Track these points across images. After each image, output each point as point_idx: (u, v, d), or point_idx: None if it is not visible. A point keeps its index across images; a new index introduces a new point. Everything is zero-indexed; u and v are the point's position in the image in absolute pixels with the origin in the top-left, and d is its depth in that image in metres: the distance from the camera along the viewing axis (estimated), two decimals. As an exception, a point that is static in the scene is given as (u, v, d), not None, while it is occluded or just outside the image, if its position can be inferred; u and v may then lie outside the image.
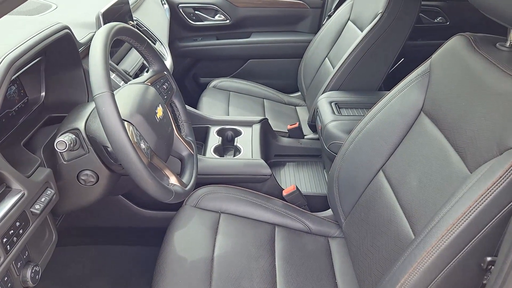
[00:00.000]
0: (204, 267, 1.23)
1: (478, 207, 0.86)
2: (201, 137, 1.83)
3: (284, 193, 1.56)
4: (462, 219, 0.87)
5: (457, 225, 0.87)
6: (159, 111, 1.06)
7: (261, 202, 1.50)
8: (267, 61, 2.64)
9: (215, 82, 2.47)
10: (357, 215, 1.35)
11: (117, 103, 0.89)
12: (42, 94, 1.21)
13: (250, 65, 2.64)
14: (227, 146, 1.83)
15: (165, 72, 1.21)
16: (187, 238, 1.32)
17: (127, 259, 1.73)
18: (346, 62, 1.90)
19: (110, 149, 0.98)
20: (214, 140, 1.78)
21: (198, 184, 1.54)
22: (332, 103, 1.82)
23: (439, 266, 0.88)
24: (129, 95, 1.03)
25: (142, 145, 0.96)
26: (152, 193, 0.92)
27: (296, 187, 1.55)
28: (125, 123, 0.94)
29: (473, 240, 0.86)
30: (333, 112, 1.76)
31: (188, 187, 1.13)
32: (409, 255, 0.96)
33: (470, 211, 0.87)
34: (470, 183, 0.92)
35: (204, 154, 1.68)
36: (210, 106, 2.19)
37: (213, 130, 1.83)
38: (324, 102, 1.82)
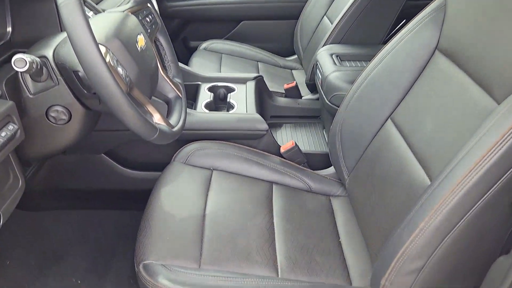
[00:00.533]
0: (194, 224, 1.11)
1: (511, 138, 0.74)
2: (190, 95, 1.70)
3: (282, 150, 1.44)
4: (493, 152, 0.75)
5: (486, 159, 0.75)
6: (141, 40, 0.92)
7: (257, 159, 1.38)
8: (261, 23, 2.49)
9: (206, 43, 2.32)
10: (362, 170, 1.24)
11: (92, 29, 0.75)
12: (8, 30, 1.06)
13: (243, 27, 2.49)
14: (220, 105, 1.69)
15: (149, 5, 1.07)
16: (175, 195, 1.20)
17: (112, 224, 1.61)
18: (346, 15, 1.77)
19: (81, 73, 0.84)
20: (205, 96, 1.64)
21: (188, 140, 1.41)
22: (333, 55, 1.68)
23: (465, 206, 0.76)
24: (105, 20, 0.89)
25: (120, 71, 0.82)
26: (132, 126, 0.78)
27: (295, 143, 1.43)
28: (100, 47, 0.80)
29: (505, 175, 0.75)
30: (334, 63, 1.62)
31: (176, 128, 1.00)
32: (428, 198, 0.84)
33: (501, 143, 0.75)
34: (498, 114, 0.80)
35: (195, 109, 1.55)
36: (201, 67, 2.05)
37: (204, 87, 1.70)
38: (324, 55, 1.69)
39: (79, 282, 1.45)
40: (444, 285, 0.88)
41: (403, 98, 1.18)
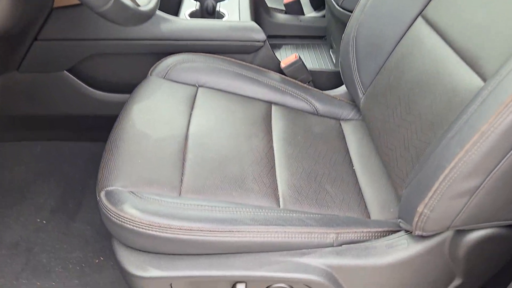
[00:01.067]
0: (174, 146, 0.88)
1: None
2: (171, 10, 1.41)
3: (283, 65, 1.19)
4: None
5: None
6: None
7: (252, 74, 1.13)
8: None
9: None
10: (382, 83, 1.00)
11: None
12: None
13: None
14: (207, 17, 1.42)
15: None
16: (151, 112, 0.96)
17: (81, 157, 1.38)
18: None
19: None
20: (190, 5, 1.36)
21: (168, 52, 1.16)
22: (343, -45, 1.40)
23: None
24: None
25: None
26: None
27: (299, 56, 1.18)
28: None
29: None
30: None
31: (145, 8, 0.75)
32: (488, 98, 0.61)
33: None
34: None
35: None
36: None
37: (189, -5, 1.42)
38: None
39: (44, 222, 1.24)
40: (502, 213, 0.67)
41: (438, -13, 0.92)
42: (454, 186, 0.62)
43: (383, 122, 0.95)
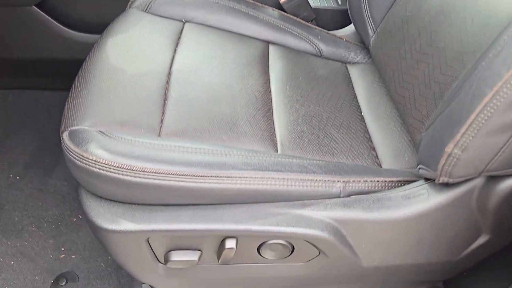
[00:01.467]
0: (154, 82, 0.75)
1: None
2: None
3: (282, 0, 1.05)
4: None
5: None
6: None
7: (247, 9, 0.99)
8: None
9: None
10: (397, 15, 0.86)
11: None
12: None
13: None
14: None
15: None
16: (129, 46, 0.82)
17: (57, 107, 1.25)
18: None
19: None
20: None
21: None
22: None
23: None
24: None
25: None
26: None
27: (301, -11, 1.03)
28: None
29: None
30: None
31: None
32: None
33: None
34: None
35: None
36: None
37: None
38: None
39: (17, 178, 1.13)
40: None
41: None
42: (494, 118, 0.50)
43: (399, 59, 0.82)
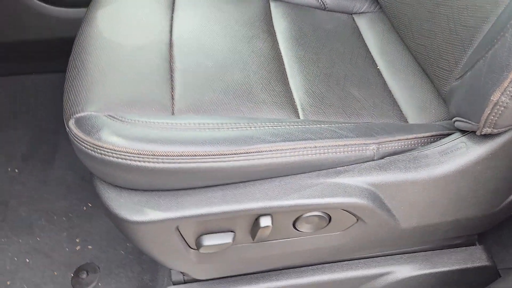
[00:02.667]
0: (156, 55, 0.68)
1: None
2: None
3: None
4: None
5: None
6: None
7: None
8: None
9: None
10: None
11: None
12: None
13: None
14: None
15: None
16: (121, 17, 0.75)
17: (48, 91, 1.17)
18: None
19: None
20: None
21: None
22: None
23: None
24: None
25: None
26: None
27: None
28: None
29: None
30: None
31: None
32: None
33: None
34: None
35: None
36: None
37: None
38: None
39: (16, 171, 1.07)
40: None
41: None
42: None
43: (416, 5, 0.76)
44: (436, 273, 0.75)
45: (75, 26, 1.02)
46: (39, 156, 1.10)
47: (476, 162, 0.59)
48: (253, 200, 0.56)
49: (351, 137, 0.60)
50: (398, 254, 0.77)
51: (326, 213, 0.60)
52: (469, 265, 0.76)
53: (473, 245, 0.79)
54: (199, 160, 0.52)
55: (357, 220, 0.62)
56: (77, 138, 0.54)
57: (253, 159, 0.54)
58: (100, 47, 0.67)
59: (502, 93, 0.50)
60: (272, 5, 0.89)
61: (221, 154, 0.53)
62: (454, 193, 0.63)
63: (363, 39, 0.87)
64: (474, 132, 0.59)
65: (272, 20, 0.85)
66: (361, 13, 0.95)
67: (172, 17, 0.78)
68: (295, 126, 0.59)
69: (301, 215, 0.59)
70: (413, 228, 0.66)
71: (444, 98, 0.70)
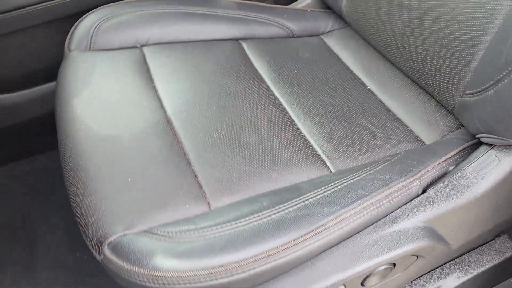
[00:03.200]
0: (160, 140, 0.61)
1: None
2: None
3: (233, -13, 0.92)
4: None
5: None
6: None
7: (202, 9, 0.85)
8: None
9: None
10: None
11: None
12: None
13: None
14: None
15: None
16: (102, 102, 0.66)
17: (13, 185, 1.03)
18: None
19: None
20: None
21: (79, 13, 0.83)
22: None
23: None
24: None
25: None
26: None
27: (249, -32, 0.91)
28: None
29: None
30: None
31: None
32: None
33: None
34: None
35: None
36: None
37: None
38: None
39: None
40: None
41: None
42: None
43: (393, 21, 0.76)
44: (477, 274, 0.77)
45: (22, 110, 0.91)
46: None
47: (511, 171, 0.61)
48: (325, 276, 0.53)
49: (395, 180, 0.58)
50: (438, 267, 0.78)
51: (392, 263, 0.58)
52: (502, 258, 0.79)
53: (497, 236, 0.82)
54: (274, 258, 0.47)
55: (417, 257, 0.61)
56: (126, 271, 0.46)
57: (322, 239, 0.50)
58: (95, 147, 0.59)
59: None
60: (245, 46, 0.85)
61: (293, 245, 0.48)
62: (495, 204, 0.64)
63: (341, 60, 0.86)
64: (501, 143, 0.60)
65: (252, 63, 0.80)
66: (329, 32, 0.94)
67: (154, 87, 0.70)
68: (341, 185, 0.56)
69: (370, 273, 0.57)
70: (462, 244, 0.67)
71: (451, 111, 0.70)
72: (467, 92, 0.64)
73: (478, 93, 0.61)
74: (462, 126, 0.71)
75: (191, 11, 0.84)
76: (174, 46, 0.81)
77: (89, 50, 0.76)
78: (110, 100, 0.66)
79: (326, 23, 0.94)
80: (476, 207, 0.62)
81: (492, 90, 0.58)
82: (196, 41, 0.83)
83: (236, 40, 0.86)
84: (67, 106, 0.65)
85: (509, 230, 0.80)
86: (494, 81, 0.57)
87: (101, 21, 0.78)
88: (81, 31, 0.77)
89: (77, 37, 0.77)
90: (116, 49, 0.77)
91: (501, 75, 0.56)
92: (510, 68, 0.54)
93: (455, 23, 0.66)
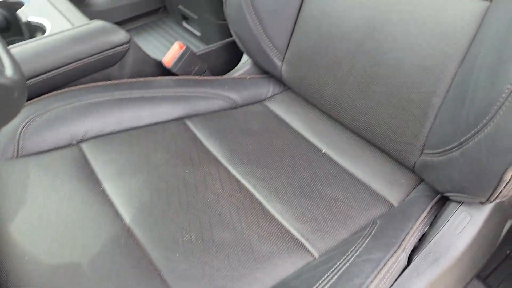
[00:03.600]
0: (131, 257, 0.54)
1: None
2: None
3: (168, 63, 0.87)
4: None
5: None
6: None
7: (138, 93, 0.80)
8: None
9: None
10: (310, 38, 0.79)
11: None
12: None
13: None
14: (10, 38, 0.96)
15: None
16: (44, 223, 0.57)
17: None
18: None
19: None
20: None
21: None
22: None
23: None
24: None
25: None
26: None
27: (184, 44, 0.87)
28: None
29: None
30: None
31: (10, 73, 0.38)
32: None
33: None
34: None
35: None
36: None
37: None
38: None
39: None
40: None
41: None
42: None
43: (338, 85, 0.76)
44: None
45: None
46: None
47: (484, 224, 0.62)
48: None
49: (384, 257, 0.56)
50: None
51: None
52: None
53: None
54: None
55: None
56: None
57: None
58: (50, 283, 0.49)
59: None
60: (190, 124, 0.80)
61: None
62: (473, 257, 0.65)
63: (291, 127, 0.84)
64: (471, 199, 0.61)
65: (204, 144, 0.76)
66: (270, 97, 0.93)
67: (103, 191, 0.63)
68: (334, 277, 0.53)
69: None
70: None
71: (410, 168, 0.71)
72: (428, 151, 0.65)
73: (442, 153, 0.62)
74: (422, 180, 0.72)
75: (129, 96, 0.78)
76: (116, 137, 0.74)
77: (16, 157, 0.67)
78: (54, 217, 0.57)
79: (267, 88, 0.93)
80: (458, 265, 0.62)
81: (457, 151, 0.59)
82: (139, 127, 0.77)
83: (181, 119, 0.81)
84: (0, 236, 0.55)
85: (479, 274, 0.82)
86: (458, 142, 0.58)
87: (29, 121, 0.69)
88: (3, 136, 0.67)
89: (10, 136, 0.67)
90: (49, 150, 0.68)
91: (465, 137, 0.57)
92: (473, 131, 0.56)
93: (404, 86, 0.67)
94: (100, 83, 0.78)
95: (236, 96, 0.89)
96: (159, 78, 0.84)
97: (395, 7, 0.66)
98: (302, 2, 0.80)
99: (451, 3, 0.60)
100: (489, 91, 0.53)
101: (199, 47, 1.15)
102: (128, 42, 0.82)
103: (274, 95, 0.93)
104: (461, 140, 0.58)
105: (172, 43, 1.17)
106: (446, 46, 0.61)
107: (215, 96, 0.86)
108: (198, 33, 1.15)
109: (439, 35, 0.62)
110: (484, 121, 0.54)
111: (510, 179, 0.53)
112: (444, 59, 0.62)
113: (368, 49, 0.70)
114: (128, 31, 1.19)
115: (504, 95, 0.51)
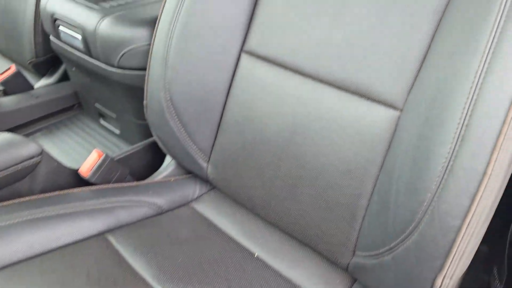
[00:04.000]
0: None
1: None
2: None
3: (85, 174, 0.81)
4: None
5: None
6: None
7: (55, 210, 0.73)
8: None
9: None
10: (235, 141, 0.80)
11: None
12: None
13: None
14: None
15: None
16: None
17: None
18: None
19: None
20: None
21: None
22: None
23: None
24: None
25: None
26: None
27: (103, 151, 0.83)
28: None
29: None
30: (90, 8, 1.00)
31: None
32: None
33: None
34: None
35: None
36: None
37: None
38: (58, 2, 1.03)
39: None
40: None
41: (252, 16, 0.78)
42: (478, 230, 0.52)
43: (268, 187, 0.76)
44: None
45: None
46: None
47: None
48: None
49: None
50: None
51: None
52: None
53: None
54: None
55: None
56: None
57: None
58: None
59: (444, 277, 0.54)
60: (113, 240, 0.74)
61: None
62: None
63: (221, 230, 0.82)
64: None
65: (129, 263, 0.69)
66: (197, 198, 0.90)
67: None
68: None
69: None
70: None
71: (344, 268, 0.71)
72: (360, 253, 0.66)
73: (374, 257, 0.63)
74: (356, 280, 0.72)
75: (41, 216, 0.70)
76: (26, 266, 0.65)
77: None
78: None
79: (194, 188, 0.90)
80: None
81: (389, 256, 0.60)
82: (54, 249, 0.69)
83: (102, 234, 0.74)
84: None
85: None
86: (388, 247, 0.60)
87: None
88: None
89: None
90: None
91: (395, 243, 0.58)
92: (401, 236, 0.57)
93: (330, 188, 0.69)
94: (5, 203, 0.70)
95: (161, 201, 0.85)
96: (76, 190, 0.78)
97: (315, 115, 0.69)
98: (224, 107, 0.81)
99: (368, 112, 0.64)
100: (410, 199, 0.56)
101: (118, 145, 1.11)
102: (40, 154, 0.76)
103: (201, 195, 0.91)
104: (391, 245, 0.59)
105: (89, 142, 1.12)
106: (366, 152, 0.65)
107: (139, 204, 0.81)
108: (117, 131, 1.11)
109: (359, 142, 0.65)
110: (410, 228, 0.56)
111: (441, 284, 0.55)
112: (365, 164, 0.65)
113: (293, 153, 0.72)
114: (40, 129, 1.12)
115: (425, 203, 0.54)
